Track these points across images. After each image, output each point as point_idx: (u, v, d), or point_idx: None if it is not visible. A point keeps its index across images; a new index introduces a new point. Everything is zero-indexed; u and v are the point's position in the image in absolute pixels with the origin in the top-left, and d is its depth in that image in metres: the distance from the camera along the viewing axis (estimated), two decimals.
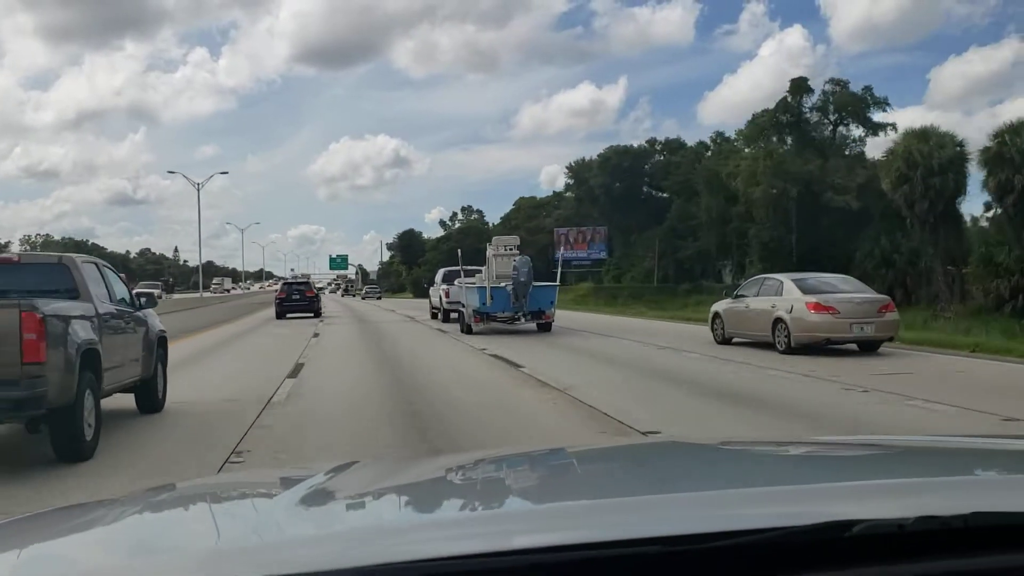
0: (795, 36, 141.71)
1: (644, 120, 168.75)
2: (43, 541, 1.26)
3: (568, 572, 0.92)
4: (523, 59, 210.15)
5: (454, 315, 23.55)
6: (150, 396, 8.48)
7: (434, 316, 27.42)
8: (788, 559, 0.95)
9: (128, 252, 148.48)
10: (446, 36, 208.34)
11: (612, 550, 0.94)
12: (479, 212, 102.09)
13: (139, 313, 8.38)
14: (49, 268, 7.29)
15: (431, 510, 1.44)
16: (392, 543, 1.02)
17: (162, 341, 9.00)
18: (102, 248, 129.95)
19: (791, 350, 13.45)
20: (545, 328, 20.06)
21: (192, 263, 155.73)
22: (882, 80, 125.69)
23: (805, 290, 14.02)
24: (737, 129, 55.13)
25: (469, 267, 21.84)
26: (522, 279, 19.22)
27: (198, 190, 48.87)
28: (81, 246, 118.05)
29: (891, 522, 0.96)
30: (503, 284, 19.69)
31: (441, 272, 27.47)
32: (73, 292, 6.92)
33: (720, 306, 16.26)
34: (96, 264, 7.88)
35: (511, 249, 21.33)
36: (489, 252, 21.43)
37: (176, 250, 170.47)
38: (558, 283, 21.81)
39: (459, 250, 22.12)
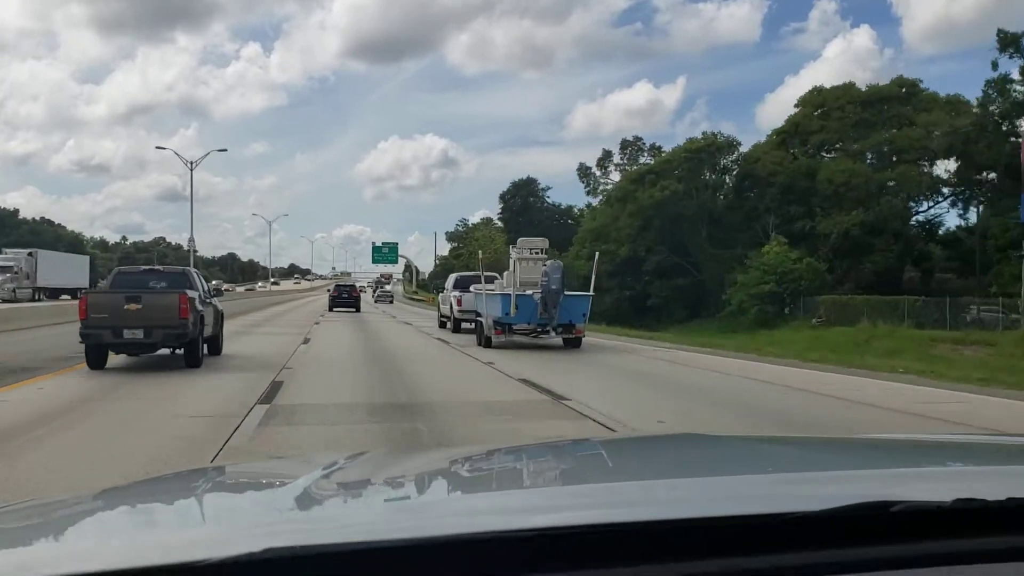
0: (863, 36, 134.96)
1: (701, 122, 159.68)
2: (99, 514, 1.40)
3: (591, 552, 0.94)
4: (579, 57, 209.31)
5: (466, 325, 21.77)
6: (216, 345, 15.25)
7: (442, 326, 25.50)
8: (820, 539, 0.97)
9: (124, 238, 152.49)
10: (502, 32, 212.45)
11: (647, 529, 0.97)
12: (655, 147, 58.04)
13: (211, 299, 15.13)
14: (177, 273, 14.19)
15: (455, 491, 1.52)
16: (412, 521, 1.07)
17: (222, 315, 15.77)
18: (79, 234, 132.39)
19: None
20: (574, 344, 17.69)
21: (202, 253, 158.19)
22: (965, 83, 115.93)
23: None
24: None
25: (489, 273, 20.20)
26: (553, 287, 17.07)
27: None
28: (37, 227, 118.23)
29: (930, 504, 1.00)
30: (530, 292, 17.57)
31: (453, 277, 25.98)
32: (188, 286, 13.66)
33: None
34: (196, 271, 14.71)
35: (538, 252, 19.17)
36: (513, 255, 19.36)
37: (191, 239, 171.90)
38: (592, 292, 19.21)
39: (479, 251, 21.06)
